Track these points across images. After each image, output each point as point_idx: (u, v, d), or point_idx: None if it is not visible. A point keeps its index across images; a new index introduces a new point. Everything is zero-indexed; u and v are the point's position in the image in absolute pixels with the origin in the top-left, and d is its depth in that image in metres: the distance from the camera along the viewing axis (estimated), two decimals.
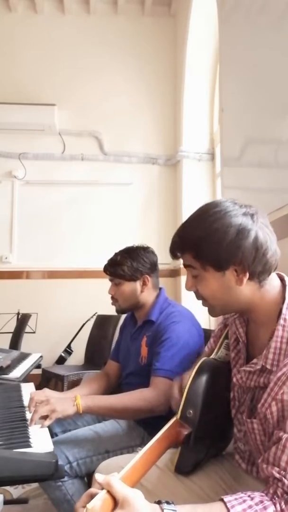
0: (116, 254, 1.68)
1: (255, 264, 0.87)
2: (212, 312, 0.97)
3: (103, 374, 1.78)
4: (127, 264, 1.62)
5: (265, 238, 0.88)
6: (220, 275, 0.89)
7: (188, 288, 0.96)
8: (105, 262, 1.70)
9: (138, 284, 1.63)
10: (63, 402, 1.31)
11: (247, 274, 0.88)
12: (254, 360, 0.92)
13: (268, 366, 0.87)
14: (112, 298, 1.68)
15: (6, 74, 4.02)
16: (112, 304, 1.70)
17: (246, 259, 0.86)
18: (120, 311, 1.70)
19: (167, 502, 0.73)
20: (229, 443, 1.11)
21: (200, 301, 0.97)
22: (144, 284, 1.63)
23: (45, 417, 1.25)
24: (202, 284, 0.92)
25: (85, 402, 1.33)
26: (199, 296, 0.96)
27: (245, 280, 0.88)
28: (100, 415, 1.56)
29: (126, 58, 4.13)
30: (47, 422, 1.23)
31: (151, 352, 1.53)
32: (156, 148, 4.13)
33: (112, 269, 1.65)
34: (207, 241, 0.88)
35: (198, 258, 0.91)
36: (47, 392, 1.40)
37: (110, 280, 1.68)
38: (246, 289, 0.90)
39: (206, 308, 0.97)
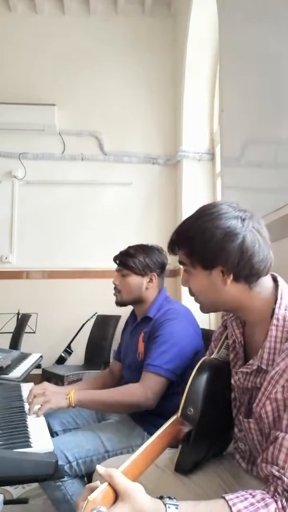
0: (130, 247, 1.69)
1: (240, 267, 0.89)
2: (202, 309, 1.00)
3: (108, 372, 1.83)
4: (139, 258, 1.63)
5: (253, 243, 0.89)
6: (207, 274, 0.93)
7: (182, 283, 1.00)
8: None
9: (144, 280, 1.64)
10: (57, 395, 1.38)
11: (231, 276, 0.90)
12: (251, 361, 0.93)
13: (264, 366, 0.88)
14: (115, 288, 1.68)
15: (6, 74, 4.02)
16: (114, 294, 1.69)
17: (230, 261, 0.89)
18: (120, 303, 1.70)
19: (169, 498, 0.73)
20: (230, 443, 1.11)
21: (193, 298, 1.00)
22: (150, 281, 1.64)
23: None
24: (192, 281, 0.96)
25: (77, 397, 1.39)
26: (191, 292, 0.99)
27: (229, 281, 0.90)
28: (91, 409, 1.59)
29: (126, 58, 4.13)
30: (41, 412, 1.30)
31: (147, 348, 1.54)
32: (156, 148, 4.13)
33: (123, 258, 1.65)
34: (195, 240, 0.92)
35: (189, 255, 0.94)
36: (45, 385, 1.47)
37: (117, 270, 1.68)
38: (232, 290, 0.91)
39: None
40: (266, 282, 0.93)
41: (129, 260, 1.63)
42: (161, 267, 1.67)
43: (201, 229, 0.91)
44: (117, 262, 1.68)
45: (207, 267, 0.92)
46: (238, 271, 0.89)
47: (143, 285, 1.64)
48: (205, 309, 1.00)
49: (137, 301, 1.67)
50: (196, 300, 0.99)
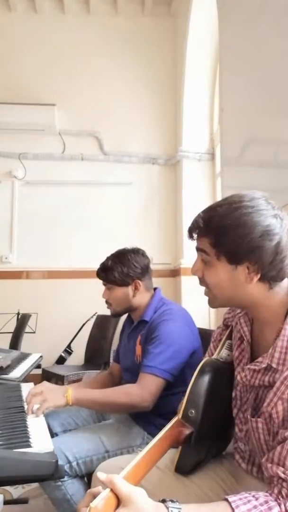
0: (107, 259, 1.68)
1: (270, 268, 0.86)
2: (213, 303, 0.95)
3: (107, 374, 1.83)
4: (117, 270, 1.61)
5: (287, 245, 0.86)
6: (232, 268, 0.88)
7: (194, 271, 0.94)
8: None
9: (130, 289, 1.63)
10: (55, 394, 1.37)
11: (259, 275, 0.87)
12: (260, 359, 0.92)
13: (274, 365, 0.87)
14: (107, 302, 1.70)
15: (6, 74, 4.02)
16: (107, 307, 1.71)
17: (263, 260, 0.85)
18: (114, 315, 1.71)
19: (172, 501, 0.72)
20: (230, 443, 1.11)
21: (203, 291, 0.96)
22: (136, 288, 1.63)
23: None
24: (210, 272, 0.91)
25: (74, 395, 1.38)
26: (203, 282, 0.94)
27: (255, 279, 0.87)
28: (88, 408, 1.59)
29: (126, 58, 4.13)
30: (40, 411, 1.29)
31: (144, 349, 1.54)
32: (156, 148, 4.13)
33: (103, 274, 1.66)
34: (231, 231, 0.85)
35: (215, 245, 0.88)
36: (45, 384, 1.46)
37: (104, 284, 1.69)
38: (253, 288, 0.89)
39: (206, 303, 0.96)
40: (284, 282, 0.91)
41: (109, 274, 1.63)
42: (143, 270, 1.65)
43: (239, 221, 0.85)
44: (100, 277, 1.68)
45: (234, 261, 0.87)
46: (267, 271, 0.86)
47: (130, 294, 1.63)
48: (215, 303, 0.95)
49: (129, 310, 1.68)
50: (208, 293, 0.94)
